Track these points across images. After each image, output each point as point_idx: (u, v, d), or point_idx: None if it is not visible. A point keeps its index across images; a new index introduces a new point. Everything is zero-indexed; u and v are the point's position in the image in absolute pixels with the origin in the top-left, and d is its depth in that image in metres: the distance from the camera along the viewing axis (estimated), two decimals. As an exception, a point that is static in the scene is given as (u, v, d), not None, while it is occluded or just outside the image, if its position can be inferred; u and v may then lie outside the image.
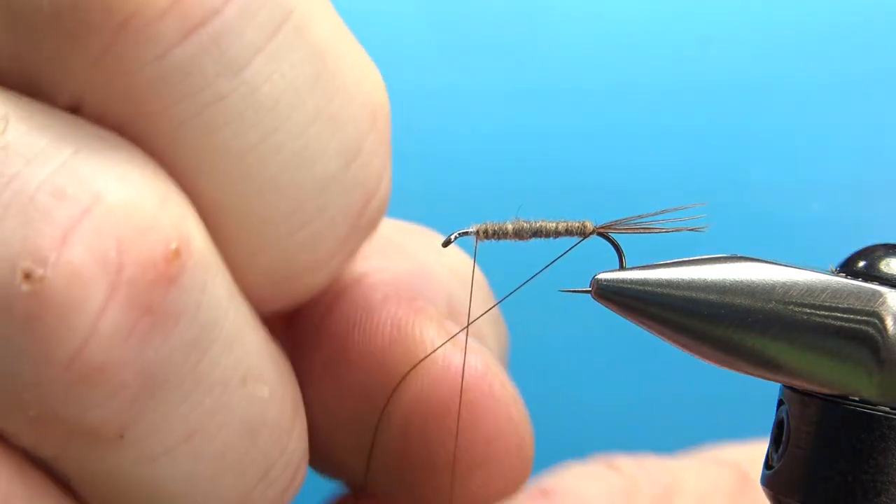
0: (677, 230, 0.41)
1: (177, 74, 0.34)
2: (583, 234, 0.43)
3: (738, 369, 0.40)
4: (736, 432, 0.86)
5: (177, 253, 0.33)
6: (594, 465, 0.58)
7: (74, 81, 0.34)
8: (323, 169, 0.38)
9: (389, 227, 0.48)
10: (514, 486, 0.45)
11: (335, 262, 0.41)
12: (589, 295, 0.40)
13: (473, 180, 0.89)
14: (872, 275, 0.39)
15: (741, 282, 0.39)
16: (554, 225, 0.43)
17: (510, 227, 0.42)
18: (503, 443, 0.44)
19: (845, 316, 0.38)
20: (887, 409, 0.38)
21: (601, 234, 0.43)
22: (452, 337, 0.44)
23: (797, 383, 0.40)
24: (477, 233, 0.42)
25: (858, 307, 0.38)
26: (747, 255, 0.40)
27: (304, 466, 0.43)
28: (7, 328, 0.32)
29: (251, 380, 0.38)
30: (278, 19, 0.35)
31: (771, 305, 0.38)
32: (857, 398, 0.38)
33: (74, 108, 0.35)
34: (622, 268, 0.41)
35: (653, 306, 0.39)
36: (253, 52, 0.35)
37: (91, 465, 0.36)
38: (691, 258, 0.40)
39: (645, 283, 0.39)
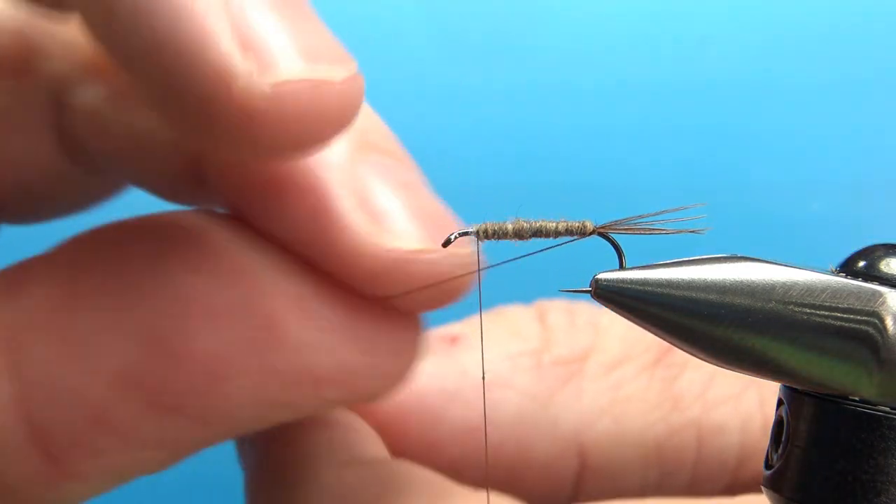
0: (677, 232, 0.41)
1: None
2: (583, 233, 0.43)
3: (738, 369, 0.40)
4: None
5: None
6: (525, 313, 0.57)
7: None
8: None
9: None
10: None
11: None
12: (589, 295, 0.40)
13: (473, 179, 0.89)
14: (872, 275, 0.39)
15: (741, 282, 0.39)
16: (554, 225, 0.43)
17: (510, 226, 0.42)
18: None
19: (845, 316, 0.38)
20: (887, 409, 0.38)
21: (601, 234, 0.43)
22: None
23: (797, 383, 0.40)
24: (477, 233, 0.42)
25: (858, 307, 0.38)
26: (747, 255, 0.39)
27: None
28: None
29: None
30: None
31: (771, 305, 0.38)
32: (857, 398, 0.38)
33: None
34: (622, 268, 0.41)
35: (653, 306, 0.39)
36: None
37: None
38: (691, 258, 0.40)
39: (645, 283, 0.39)
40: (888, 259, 0.39)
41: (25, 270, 0.41)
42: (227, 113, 0.34)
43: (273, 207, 0.42)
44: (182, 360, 0.38)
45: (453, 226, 0.45)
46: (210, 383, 0.39)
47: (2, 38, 0.43)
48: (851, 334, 0.38)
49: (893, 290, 0.38)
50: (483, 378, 0.47)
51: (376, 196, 0.43)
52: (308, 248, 0.43)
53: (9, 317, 0.39)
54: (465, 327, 0.56)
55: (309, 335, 0.41)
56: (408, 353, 0.45)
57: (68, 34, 0.44)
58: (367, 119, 0.47)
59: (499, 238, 0.42)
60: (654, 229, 0.42)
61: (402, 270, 0.42)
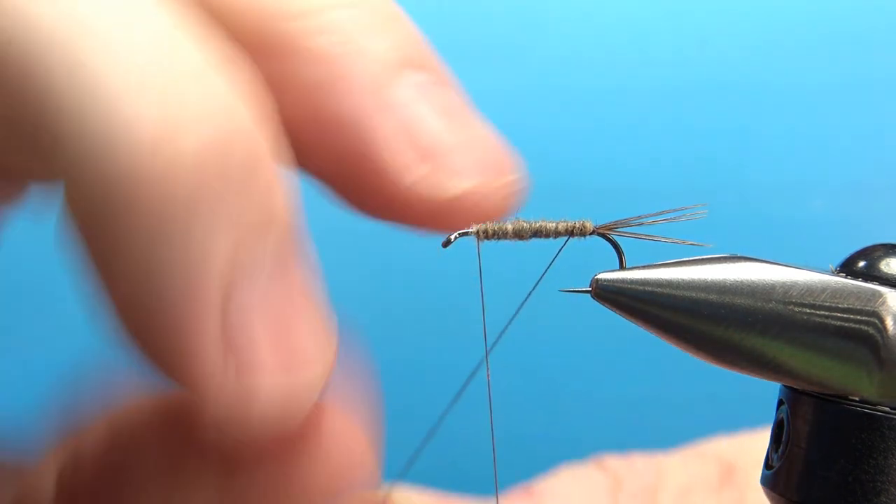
0: (678, 242, 0.41)
1: None
2: (583, 234, 0.43)
3: (738, 369, 0.40)
4: (736, 432, 0.86)
5: None
6: (584, 466, 0.61)
7: None
8: None
9: None
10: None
11: None
12: (589, 295, 0.40)
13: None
14: (872, 275, 0.39)
15: (741, 282, 0.39)
16: (554, 225, 0.43)
17: (510, 227, 0.42)
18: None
19: (845, 316, 0.38)
20: (887, 409, 0.38)
21: (601, 235, 0.43)
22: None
23: (797, 383, 0.40)
24: (477, 233, 0.42)
25: (858, 307, 0.38)
26: (747, 255, 0.40)
27: None
28: None
29: None
30: None
31: (771, 305, 0.38)
32: (857, 398, 0.39)
33: None
34: (622, 268, 0.41)
35: (653, 306, 0.39)
36: None
37: None
38: (691, 258, 0.40)
39: (645, 283, 0.39)
40: (888, 259, 0.39)
41: None
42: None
43: (310, 143, 0.38)
44: None
45: (504, 152, 0.42)
46: None
47: None
48: (851, 334, 0.38)
49: (893, 290, 0.38)
50: (488, 379, 0.46)
51: (425, 128, 0.39)
52: (347, 188, 0.39)
53: None
54: (539, 481, 0.58)
55: None
56: None
57: None
58: (403, 28, 0.42)
59: (499, 238, 0.42)
60: (655, 237, 0.42)
61: (457, 210, 0.40)
